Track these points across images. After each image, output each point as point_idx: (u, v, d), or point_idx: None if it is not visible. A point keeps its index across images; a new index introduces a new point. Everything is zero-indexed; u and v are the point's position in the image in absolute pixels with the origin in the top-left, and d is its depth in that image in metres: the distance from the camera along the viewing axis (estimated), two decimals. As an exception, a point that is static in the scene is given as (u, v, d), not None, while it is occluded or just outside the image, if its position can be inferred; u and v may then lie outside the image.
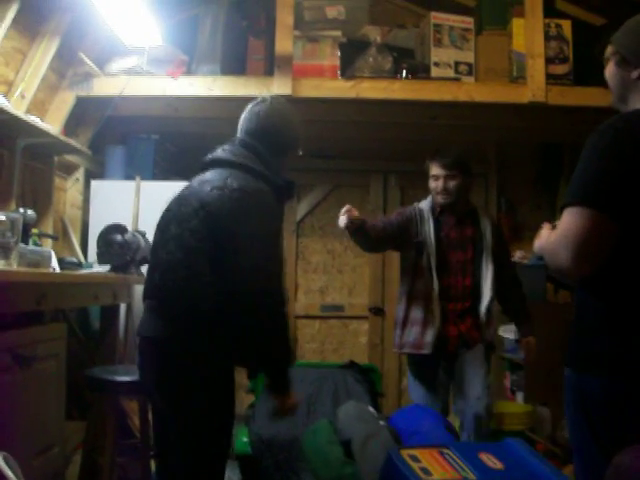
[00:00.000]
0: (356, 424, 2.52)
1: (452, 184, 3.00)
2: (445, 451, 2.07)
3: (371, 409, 2.72)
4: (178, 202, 2.07)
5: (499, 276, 3.08)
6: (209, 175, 2.07)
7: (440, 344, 2.95)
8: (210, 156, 2.15)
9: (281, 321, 2.01)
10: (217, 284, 1.94)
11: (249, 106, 2.22)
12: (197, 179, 2.10)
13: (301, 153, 2.28)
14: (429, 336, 2.94)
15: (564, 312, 3.93)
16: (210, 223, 1.95)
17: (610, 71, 1.72)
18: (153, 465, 3.14)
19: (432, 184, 3.06)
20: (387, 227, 3.05)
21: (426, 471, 1.91)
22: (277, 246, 2.03)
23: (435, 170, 3.04)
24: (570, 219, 1.50)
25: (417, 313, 3.00)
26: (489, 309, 3.02)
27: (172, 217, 2.05)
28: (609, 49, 1.73)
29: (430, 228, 3.03)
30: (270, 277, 1.96)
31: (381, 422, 2.55)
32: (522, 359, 3.91)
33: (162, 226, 2.09)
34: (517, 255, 4.22)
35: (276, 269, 2.00)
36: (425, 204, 3.11)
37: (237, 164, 2.06)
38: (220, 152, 2.13)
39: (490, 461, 2.00)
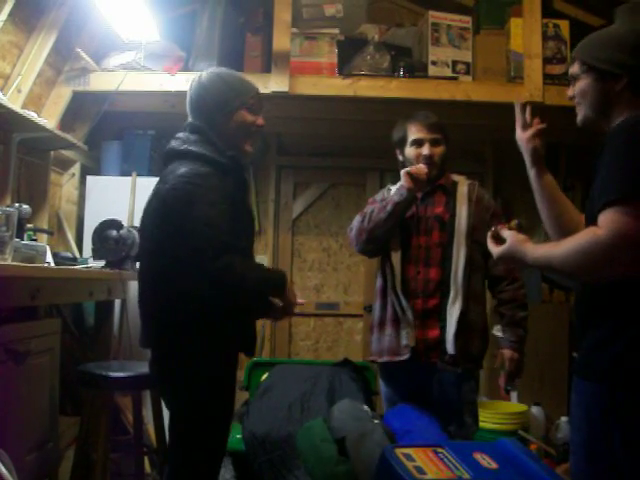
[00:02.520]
0: (350, 422, 2.51)
1: (438, 151, 2.61)
2: (439, 450, 2.06)
3: (365, 407, 2.71)
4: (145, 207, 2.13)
5: (485, 268, 2.59)
6: (164, 173, 2.08)
7: (414, 352, 2.53)
8: (166, 149, 2.15)
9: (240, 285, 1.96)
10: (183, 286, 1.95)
11: None
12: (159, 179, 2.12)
13: (249, 105, 2.15)
14: (404, 338, 2.54)
15: (559, 312, 3.96)
16: (161, 223, 1.99)
17: (585, 88, 1.71)
18: (147, 461, 3.14)
19: (412, 152, 2.63)
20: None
21: (420, 470, 1.91)
22: (219, 226, 1.93)
23: (417, 133, 2.62)
24: (627, 216, 1.43)
25: (390, 311, 2.60)
26: (462, 315, 2.49)
27: (141, 226, 2.14)
28: (577, 67, 1.73)
29: None
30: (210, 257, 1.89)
31: (375, 420, 2.55)
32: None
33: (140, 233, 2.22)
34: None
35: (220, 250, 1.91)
36: (396, 185, 2.70)
37: (184, 153, 2.05)
38: (172, 142, 2.13)
39: (484, 461, 2.00)
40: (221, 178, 2.02)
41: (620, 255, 1.44)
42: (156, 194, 2.05)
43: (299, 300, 2.14)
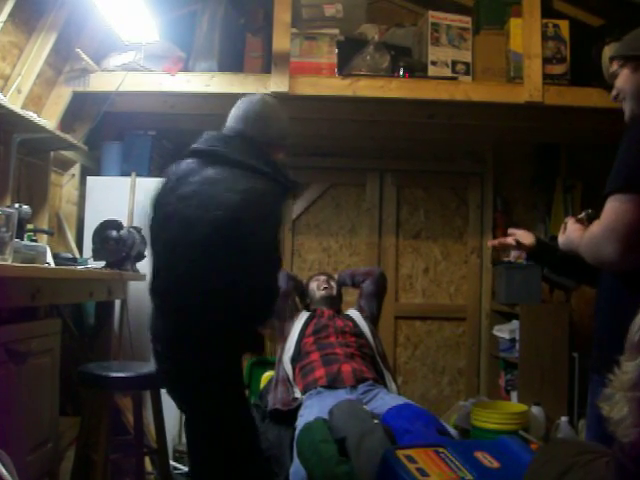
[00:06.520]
0: (351, 422, 2.51)
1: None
2: (441, 450, 2.06)
3: (365, 407, 2.71)
4: (183, 201, 2.01)
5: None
6: (214, 173, 2.02)
7: None
8: (207, 148, 2.14)
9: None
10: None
11: (241, 102, 2.25)
12: (199, 175, 2.05)
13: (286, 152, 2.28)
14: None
15: (560, 312, 3.95)
16: (223, 229, 1.93)
17: (624, 82, 1.69)
18: (147, 462, 3.14)
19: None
20: None
21: (423, 472, 1.91)
22: (275, 252, 2.10)
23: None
24: (615, 208, 1.45)
25: None
26: None
27: (180, 220, 2.01)
28: (615, 65, 1.72)
29: None
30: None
31: (375, 420, 2.55)
32: (516, 358, 3.93)
33: (165, 226, 2.07)
34: (512, 255, 4.22)
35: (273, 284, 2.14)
36: None
37: (243, 164, 2.04)
38: (222, 148, 2.11)
39: (486, 460, 1.99)
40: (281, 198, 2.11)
41: (607, 246, 1.45)
42: (218, 200, 1.96)
43: None
